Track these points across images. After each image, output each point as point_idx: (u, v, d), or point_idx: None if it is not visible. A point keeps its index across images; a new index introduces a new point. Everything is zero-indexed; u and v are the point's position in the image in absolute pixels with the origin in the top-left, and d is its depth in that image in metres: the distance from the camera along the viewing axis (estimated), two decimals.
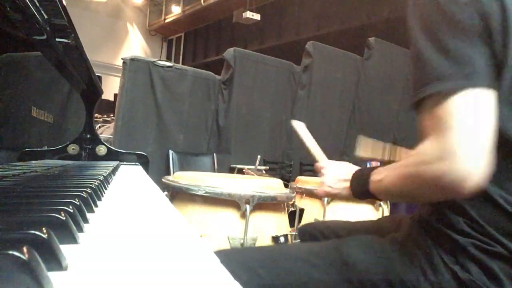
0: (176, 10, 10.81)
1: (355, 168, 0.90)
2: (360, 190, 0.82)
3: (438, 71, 0.59)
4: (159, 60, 3.39)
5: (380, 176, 0.74)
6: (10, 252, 0.21)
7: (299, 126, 1.13)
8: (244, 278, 0.76)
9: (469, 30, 0.59)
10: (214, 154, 3.61)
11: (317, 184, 2.14)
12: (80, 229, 0.37)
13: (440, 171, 0.58)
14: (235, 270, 0.76)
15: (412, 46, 0.65)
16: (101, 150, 1.36)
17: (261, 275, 0.76)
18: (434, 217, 0.76)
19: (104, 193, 0.64)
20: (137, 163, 1.42)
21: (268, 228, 1.57)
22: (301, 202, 2.16)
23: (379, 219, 1.10)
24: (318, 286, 0.75)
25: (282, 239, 1.55)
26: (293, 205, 1.71)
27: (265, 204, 1.55)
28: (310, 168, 3.81)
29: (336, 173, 0.93)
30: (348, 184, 0.87)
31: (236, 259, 0.80)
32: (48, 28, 0.76)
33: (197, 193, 1.50)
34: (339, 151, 4.23)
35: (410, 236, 0.78)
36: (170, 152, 3.33)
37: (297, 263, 0.78)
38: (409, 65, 0.67)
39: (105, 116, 5.16)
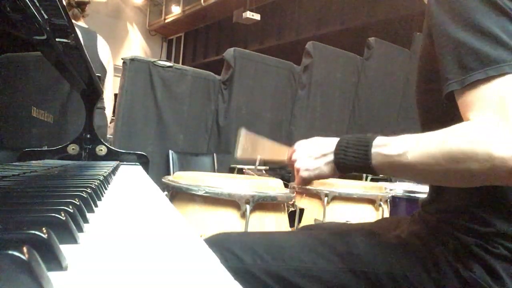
0: (176, 10, 10.81)
1: (329, 140, 0.77)
2: (355, 164, 0.71)
3: (487, 54, 0.58)
4: (159, 60, 3.39)
5: (397, 149, 0.65)
6: (10, 252, 0.21)
7: (246, 133, 1.02)
8: (247, 260, 0.76)
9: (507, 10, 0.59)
10: (214, 154, 3.61)
11: (317, 184, 2.14)
12: (80, 229, 0.37)
13: (506, 153, 0.54)
14: (239, 253, 0.77)
15: (441, 33, 0.64)
16: (101, 150, 1.36)
17: (265, 259, 0.76)
18: (438, 215, 0.77)
19: (104, 193, 0.64)
20: (137, 163, 1.42)
21: (268, 228, 1.57)
22: (301, 202, 2.16)
23: (377, 221, 1.11)
24: (322, 274, 0.75)
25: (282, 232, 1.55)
26: (293, 205, 1.71)
27: (265, 204, 1.55)
28: None
29: (310, 151, 0.80)
30: (329, 158, 0.75)
31: (240, 242, 0.81)
32: (48, 28, 0.76)
33: (197, 193, 1.50)
34: None
35: (414, 233, 0.78)
36: (170, 152, 3.33)
37: (302, 250, 0.78)
38: (439, 51, 0.65)
39: None
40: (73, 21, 2.57)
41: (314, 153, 0.79)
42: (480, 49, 0.59)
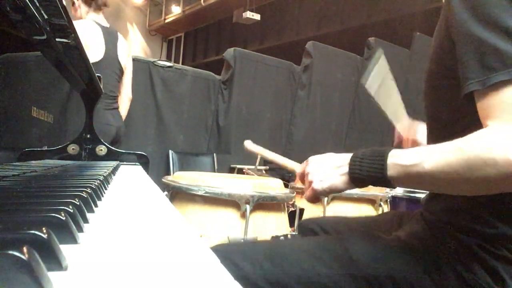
0: (176, 10, 10.80)
1: (343, 155, 0.76)
2: (370, 175, 0.69)
3: (511, 55, 0.57)
4: (159, 60, 3.39)
5: (414, 159, 0.63)
6: (10, 252, 0.21)
7: (251, 145, 1.09)
8: (247, 269, 0.75)
9: None
10: (214, 154, 3.61)
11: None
12: (80, 229, 0.37)
13: None
14: (238, 262, 0.76)
15: (462, 31, 0.63)
16: (101, 150, 1.36)
17: (265, 268, 0.76)
18: (439, 214, 0.76)
19: (104, 193, 0.64)
20: (137, 163, 1.42)
21: (268, 228, 1.57)
22: (301, 202, 2.16)
23: (379, 215, 1.10)
24: (322, 280, 0.74)
25: (282, 239, 1.55)
26: (293, 205, 1.71)
27: (265, 204, 1.55)
28: None
29: (324, 163, 0.78)
30: (343, 170, 0.73)
31: (239, 251, 0.80)
32: (48, 28, 0.76)
33: (197, 193, 1.51)
34: (339, 151, 4.23)
35: (414, 234, 0.78)
36: (170, 152, 3.33)
37: (301, 256, 0.78)
38: (459, 50, 0.64)
39: None
40: (95, 20, 2.52)
41: (328, 165, 0.77)
42: (504, 49, 0.58)
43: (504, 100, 0.57)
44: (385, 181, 0.67)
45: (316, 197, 0.79)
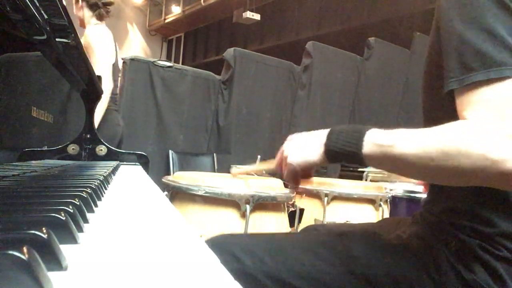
0: (176, 10, 10.81)
1: (323, 130, 0.73)
2: (345, 149, 0.67)
3: (490, 56, 0.58)
4: (159, 60, 3.39)
5: (391, 140, 0.62)
6: (10, 252, 0.21)
7: (236, 170, 1.17)
8: (247, 263, 0.76)
9: None
10: (214, 154, 3.60)
11: (317, 184, 2.14)
12: (80, 229, 0.37)
13: (499, 155, 0.53)
14: (239, 255, 0.77)
15: (448, 29, 0.64)
16: (101, 150, 1.36)
17: (265, 262, 0.76)
18: (440, 215, 0.76)
19: (104, 193, 0.64)
20: (137, 163, 1.42)
21: (268, 228, 1.57)
22: (301, 202, 2.16)
23: (379, 221, 1.11)
24: (322, 276, 0.75)
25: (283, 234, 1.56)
26: (293, 205, 1.71)
27: (265, 204, 1.55)
28: None
29: (301, 138, 0.76)
30: (319, 141, 0.71)
31: (240, 244, 0.80)
32: (48, 28, 0.76)
33: (197, 193, 1.51)
34: None
35: (415, 234, 0.78)
36: (170, 152, 3.33)
37: (302, 252, 0.78)
38: (444, 47, 0.65)
39: None
40: (98, 22, 2.63)
41: (305, 138, 0.75)
42: (484, 50, 0.58)
43: (481, 98, 0.58)
44: (359, 159, 0.66)
45: (293, 175, 0.76)
